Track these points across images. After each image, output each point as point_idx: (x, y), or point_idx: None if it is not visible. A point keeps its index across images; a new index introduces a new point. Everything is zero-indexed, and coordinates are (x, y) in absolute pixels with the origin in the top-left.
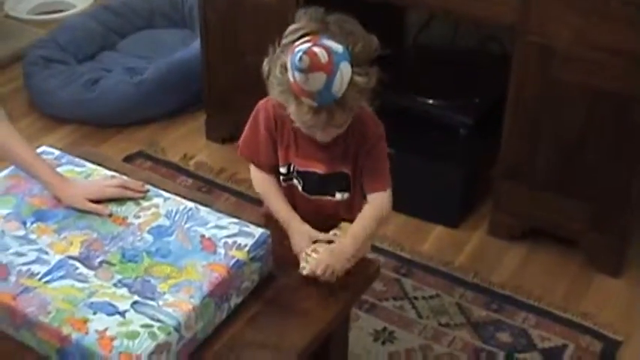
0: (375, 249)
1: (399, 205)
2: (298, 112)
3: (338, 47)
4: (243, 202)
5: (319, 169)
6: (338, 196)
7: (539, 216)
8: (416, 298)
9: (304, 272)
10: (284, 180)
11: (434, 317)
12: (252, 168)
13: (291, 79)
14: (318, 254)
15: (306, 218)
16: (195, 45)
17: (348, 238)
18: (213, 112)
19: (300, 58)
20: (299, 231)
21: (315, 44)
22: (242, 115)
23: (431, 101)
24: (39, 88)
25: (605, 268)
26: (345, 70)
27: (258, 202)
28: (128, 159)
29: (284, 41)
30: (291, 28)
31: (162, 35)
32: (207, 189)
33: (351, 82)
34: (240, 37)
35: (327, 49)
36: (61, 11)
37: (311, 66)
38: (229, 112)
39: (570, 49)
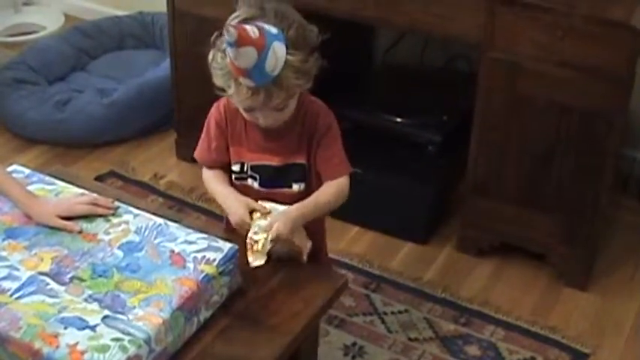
0: (344, 265)
1: (368, 221)
2: (237, 93)
3: (271, 28)
4: (214, 221)
5: (273, 161)
6: (295, 187)
7: (507, 231)
8: (385, 313)
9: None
10: (237, 179)
11: (403, 332)
12: (204, 170)
13: (228, 59)
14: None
15: None
16: (165, 65)
17: (296, 204)
18: (184, 132)
19: (229, 31)
20: (237, 199)
21: (247, 23)
22: None
23: (399, 119)
24: (10, 109)
25: (574, 282)
26: (278, 49)
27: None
28: (99, 179)
29: (224, 29)
30: (231, 16)
31: (132, 56)
32: (177, 208)
33: (286, 62)
34: (209, 57)
35: (259, 28)
36: (31, 33)
37: (239, 39)
38: (199, 131)
39: (535, 66)
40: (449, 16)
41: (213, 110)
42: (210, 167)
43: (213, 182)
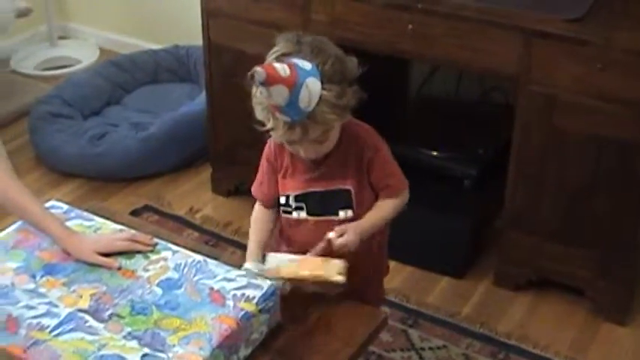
0: None
1: (405, 256)
2: (275, 128)
3: (306, 64)
4: None
5: (317, 187)
6: (341, 214)
7: (545, 265)
8: (423, 349)
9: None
10: (284, 212)
11: None
12: (256, 205)
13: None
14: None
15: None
16: (201, 99)
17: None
18: (219, 166)
19: (257, 71)
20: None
21: (278, 61)
22: (247, 168)
23: (435, 153)
24: (45, 143)
25: (612, 317)
26: (312, 85)
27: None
28: (135, 213)
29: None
30: (270, 51)
31: (167, 90)
32: (213, 242)
33: (321, 97)
34: (245, 91)
35: (291, 65)
36: (66, 67)
37: (267, 79)
38: (235, 165)
39: (573, 98)
40: (485, 50)
41: (266, 146)
42: (262, 202)
43: (251, 227)
